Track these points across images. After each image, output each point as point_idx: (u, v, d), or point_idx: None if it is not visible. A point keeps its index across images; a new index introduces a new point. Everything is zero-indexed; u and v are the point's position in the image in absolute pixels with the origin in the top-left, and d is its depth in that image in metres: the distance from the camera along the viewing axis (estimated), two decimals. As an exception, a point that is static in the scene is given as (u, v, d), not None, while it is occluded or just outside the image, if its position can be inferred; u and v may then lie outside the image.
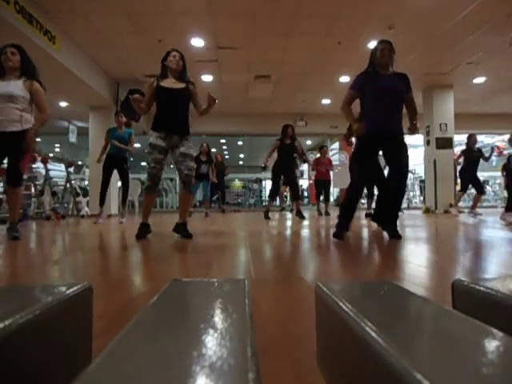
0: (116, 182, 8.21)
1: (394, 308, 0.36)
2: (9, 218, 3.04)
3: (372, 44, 5.93)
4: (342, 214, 2.76)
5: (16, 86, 2.86)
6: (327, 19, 5.21)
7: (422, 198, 11.86)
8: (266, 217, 5.62)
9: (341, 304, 0.34)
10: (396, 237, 2.60)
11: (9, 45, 2.94)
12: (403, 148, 2.70)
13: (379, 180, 2.99)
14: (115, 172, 5.25)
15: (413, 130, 2.76)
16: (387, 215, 2.76)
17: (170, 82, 2.82)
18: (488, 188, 12.96)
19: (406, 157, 2.70)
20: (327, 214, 6.83)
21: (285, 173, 5.72)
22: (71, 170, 8.03)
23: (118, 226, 4.70)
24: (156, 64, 7.26)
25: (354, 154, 2.87)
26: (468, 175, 6.44)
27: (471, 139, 6.62)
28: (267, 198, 7.49)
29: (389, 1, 4.71)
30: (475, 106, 9.41)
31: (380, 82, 2.66)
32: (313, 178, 8.57)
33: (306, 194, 13.45)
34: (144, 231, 2.85)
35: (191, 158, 2.88)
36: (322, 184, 7.11)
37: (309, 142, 15.08)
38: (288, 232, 3.57)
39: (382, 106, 2.63)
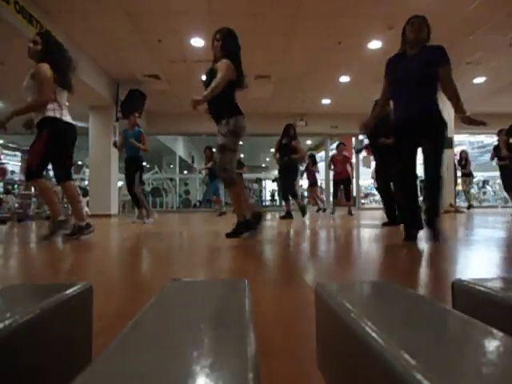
0: (117, 182, 8.22)
1: (393, 308, 0.36)
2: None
3: (372, 44, 5.93)
4: (401, 214, 2.49)
5: (26, 79, 2.68)
6: (327, 19, 5.21)
7: (421, 198, 11.83)
8: (285, 217, 5.63)
9: (341, 304, 0.34)
10: (435, 239, 2.31)
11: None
12: (436, 145, 2.32)
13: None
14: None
15: (466, 121, 2.30)
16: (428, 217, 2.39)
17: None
18: (488, 188, 12.96)
19: (437, 158, 2.31)
20: (350, 213, 6.69)
21: (284, 172, 5.74)
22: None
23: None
24: (156, 64, 7.24)
25: (394, 148, 2.54)
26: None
27: (502, 134, 6.10)
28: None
29: (389, 1, 4.71)
30: (475, 106, 9.40)
31: (402, 66, 2.37)
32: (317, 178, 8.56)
33: (305, 193, 13.45)
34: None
35: (219, 149, 2.56)
36: (338, 183, 6.96)
37: (309, 142, 15.09)
38: (287, 232, 3.57)
39: (406, 93, 2.34)
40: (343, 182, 6.92)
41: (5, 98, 7.56)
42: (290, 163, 5.67)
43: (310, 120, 10.03)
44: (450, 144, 8.26)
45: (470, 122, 2.31)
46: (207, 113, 2.76)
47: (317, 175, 8.59)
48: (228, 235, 2.51)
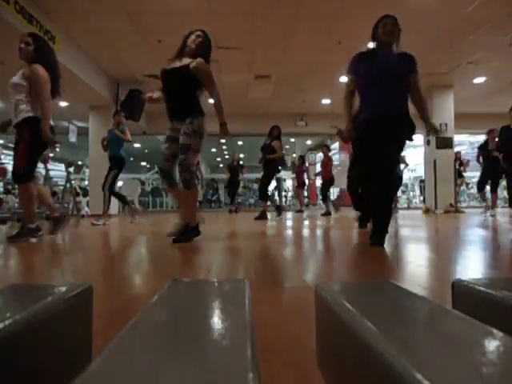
0: (117, 182, 8.22)
1: (393, 308, 0.36)
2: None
3: (372, 44, 5.93)
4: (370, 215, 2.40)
5: (17, 75, 2.70)
6: (327, 19, 5.21)
7: (421, 198, 11.85)
8: (261, 217, 5.54)
9: (341, 304, 0.34)
10: (378, 244, 2.18)
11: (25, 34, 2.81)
12: (400, 145, 2.30)
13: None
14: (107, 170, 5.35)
15: (432, 130, 2.36)
16: (374, 224, 2.31)
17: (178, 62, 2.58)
18: (488, 188, 12.93)
19: (392, 152, 2.29)
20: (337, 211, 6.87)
21: (263, 171, 5.86)
22: (71, 170, 8.03)
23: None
24: (156, 64, 7.27)
25: (353, 149, 2.49)
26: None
27: (492, 134, 5.89)
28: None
29: (389, 1, 4.71)
30: (475, 106, 9.40)
31: (376, 60, 2.31)
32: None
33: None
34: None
35: (184, 149, 2.49)
36: (324, 185, 7.12)
37: (309, 142, 15.09)
38: (280, 232, 3.57)
39: (379, 90, 2.27)
40: (323, 184, 7.11)
41: (5, 98, 7.57)
42: (268, 163, 5.74)
43: (310, 120, 10.03)
44: (450, 144, 8.26)
45: (435, 130, 2.37)
46: (155, 102, 2.77)
47: (305, 176, 8.61)
48: (175, 240, 2.43)
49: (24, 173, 2.66)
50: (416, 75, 2.32)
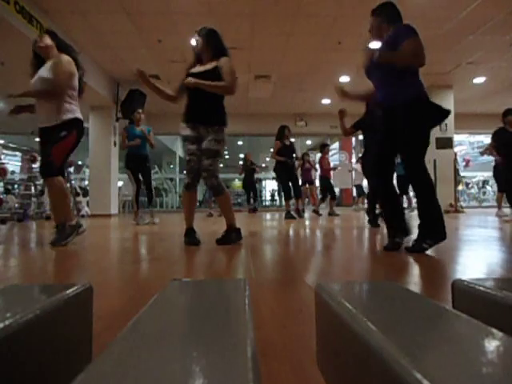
0: (117, 182, 8.21)
1: (393, 308, 0.36)
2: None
3: (372, 44, 5.92)
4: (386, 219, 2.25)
5: (43, 68, 2.66)
6: (327, 19, 5.21)
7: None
8: (291, 217, 5.63)
9: (341, 304, 0.34)
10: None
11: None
12: (406, 131, 2.12)
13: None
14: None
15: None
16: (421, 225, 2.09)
17: (198, 67, 2.64)
18: (488, 188, 12.94)
19: (410, 143, 2.11)
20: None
21: (290, 174, 5.83)
22: (71, 169, 8.04)
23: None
24: (156, 64, 7.24)
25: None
26: None
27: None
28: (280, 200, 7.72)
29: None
30: (475, 106, 9.40)
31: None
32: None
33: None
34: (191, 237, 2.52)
35: (209, 154, 2.44)
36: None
37: (309, 142, 15.09)
38: (285, 232, 3.57)
39: (375, 80, 2.41)
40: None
41: (5, 98, 7.56)
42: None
43: (310, 120, 10.03)
44: (449, 144, 8.26)
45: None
46: (163, 98, 2.78)
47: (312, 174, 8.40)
48: (218, 241, 2.45)
49: (59, 168, 2.66)
50: (406, 41, 2.15)
